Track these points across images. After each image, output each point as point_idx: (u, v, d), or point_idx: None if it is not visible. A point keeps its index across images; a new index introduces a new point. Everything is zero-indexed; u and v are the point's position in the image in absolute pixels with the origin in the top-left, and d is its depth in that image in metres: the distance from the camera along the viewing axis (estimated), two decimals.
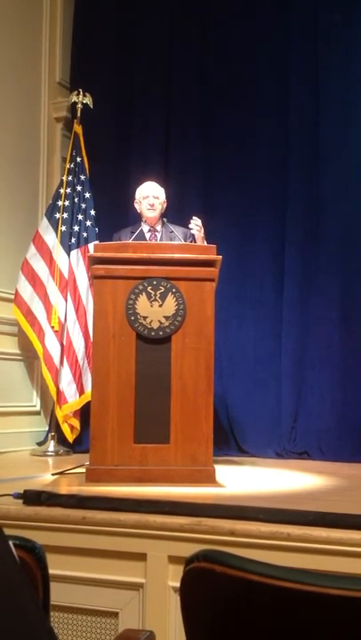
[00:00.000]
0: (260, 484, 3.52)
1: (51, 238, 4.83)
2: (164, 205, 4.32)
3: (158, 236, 4.26)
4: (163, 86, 5.31)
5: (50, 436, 4.75)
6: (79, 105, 5.05)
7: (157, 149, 5.27)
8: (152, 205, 4.23)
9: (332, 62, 4.92)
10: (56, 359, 4.67)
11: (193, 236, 4.22)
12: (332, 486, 3.42)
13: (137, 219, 4.40)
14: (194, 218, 4.02)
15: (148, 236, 4.26)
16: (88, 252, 4.52)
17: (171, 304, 3.31)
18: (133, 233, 4.14)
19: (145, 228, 4.27)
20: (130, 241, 3.97)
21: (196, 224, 4.00)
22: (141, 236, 4.21)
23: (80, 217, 4.91)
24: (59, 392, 4.67)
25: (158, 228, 4.29)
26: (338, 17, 4.92)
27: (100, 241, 4.52)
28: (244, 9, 5.19)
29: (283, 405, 4.87)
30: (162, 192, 4.31)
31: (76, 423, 4.74)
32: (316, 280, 4.87)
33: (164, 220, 4.26)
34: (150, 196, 4.24)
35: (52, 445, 4.67)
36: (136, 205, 4.33)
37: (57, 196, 4.93)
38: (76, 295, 4.78)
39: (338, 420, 4.68)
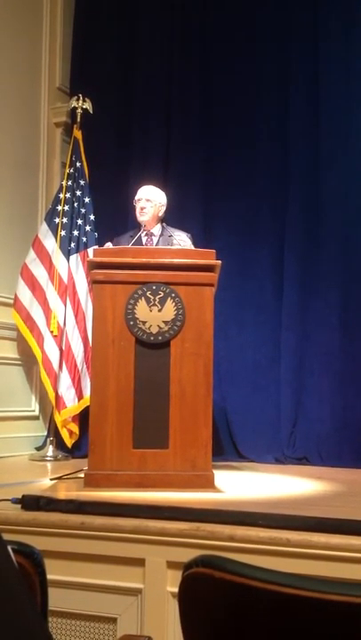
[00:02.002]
0: (259, 489, 3.51)
1: (50, 243, 4.83)
2: (162, 209, 4.28)
3: (155, 240, 4.24)
4: (162, 91, 5.32)
5: (48, 440, 4.74)
6: (79, 110, 5.06)
7: (157, 154, 5.28)
8: (142, 209, 4.19)
9: (333, 66, 4.93)
10: (55, 364, 4.67)
11: (192, 238, 4.23)
12: (331, 492, 3.41)
13: (136, 223, 4.40)
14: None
15: (144, 240, 4.25)
16: (87, 256, 4.52)
17: (170, 309, 3.30)
18: (133, 237, 4.13)
19: (143, 232, 4.26)
20: (127, 246, 3.97)
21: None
22: (139, 241, 4.20)
23: (79, 222, 4.91)
24: (57, 397, 4.67)
25: (155, 232, 4.27)
26: (338, 20, 4.94)
27: (100, 246, 4.52)
28: (244, 13, 5.21)
29: (282, 411, 4.86)
30: (157, 195, 4.26)
31: (75, 428, 4.73)
32: (316, 285, 4.87)
33: (164, 224, 4.26)
34: (142, 199, 4.21)
35: (50, 450, 4.66)
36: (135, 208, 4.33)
37: (56, 201, 4.93)
38: (76, 300, 4.78)
39: (337, 426, 4.68)
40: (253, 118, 5.13)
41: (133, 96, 5.39)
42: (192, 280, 3.35)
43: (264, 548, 2.22)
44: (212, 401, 3.33)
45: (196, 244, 4.16)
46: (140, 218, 4.21)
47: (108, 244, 4.08)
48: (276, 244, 4.99)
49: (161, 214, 4.28)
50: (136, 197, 4.25)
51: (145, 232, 4.24)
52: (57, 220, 4.86)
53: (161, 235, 4.23)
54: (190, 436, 3.24)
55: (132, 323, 3.29)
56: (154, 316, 3.30)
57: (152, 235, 4.26)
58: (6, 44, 4.88)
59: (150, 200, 4.21)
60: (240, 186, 5.12)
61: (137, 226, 4.33)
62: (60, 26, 5.43)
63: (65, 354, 4.71)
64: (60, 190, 4.95)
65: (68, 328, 4.74)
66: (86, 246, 4.85)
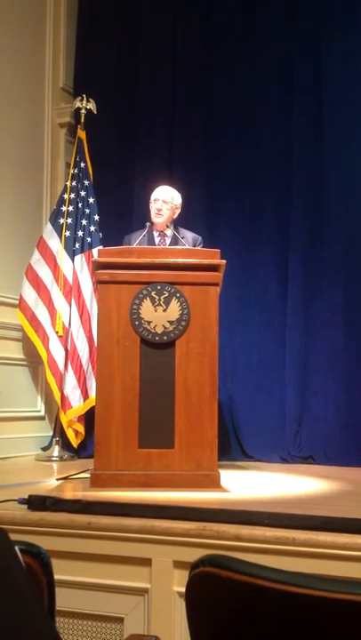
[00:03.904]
0: (264, 488, 3.51)
1: (55, 243, 4.84)
2: (177, 211, 4.29)
3: (168, 241, 4.25)
4: (166, 91, 5.32)
5: (54, 441, 4.74)
6: (83, 110, 5.07)
7: (161, 155, 5.28)
8: (159, 210, 4.18)
9: (336, 66, 4.92)
10: (60, 364, 4.68)
11: (203, 242, 4.23)
12: (337, 491, 3.41)
13: (144, 222, 4.37)
14: None
15: (157, 240, 4.26)
16: (92, 257, 4.52)
17: (175, 309, 3.31)
18: (144, 236, 4.13)
19: (155, 232, 4.26)
20: (139, 244, 3.97)
21: None
22: (151, 240, 4.20)
23: (84, 222, 4.92)
24: (63, 397, 4.68)
25: (168, 232, 4.27)
26: (341, 20, 4.92)
27: (104, 246, 4.52)
28: (246, 16, 5.20)
29: (287, 410, 4.86)
30: (175, 196, 4.26)
31: (81, 428, 4.74)
32: (320, 285, 4.86)
33: (169, 225, 4.24)
34: (160, 201, 4.20)
35: (56, 450, 4.66)
36: (150, 209, 4.32)
37: (61, 202, 4.94)
38: (81, 300, 4.79)
39: (343, 425, 4.67)
40: (256, 118, 5.12)
41: (137, 96, 5.39)
42: (197, 280, 3.35)
43: (270, 547, 2.22)
44: (217, 400, 3.34)
45: (205, 246, 4.17)
46: (156, 219, 4.20)
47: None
48: (281, 244, 4.98)
49: (175, 216, 4.29)
50: (153, 197, 4.24)
51: (158, 233, 4.25)
52: (61, 221, 4.87)
53: (174, 236, 4.22)
54: (196, 436, 3.24)
55: (136, 323, 3.29)
56: (159, 315, 3.30)
57: (165, 236, 4.26)
58: (10, 45, 4.89)
59: (167, 202, 4.21)
60: (244, 186, 5.11)
61: (144, 225, 4.29)
62: (63, 26, 5.43)
63: (70, 354, 4.72)
64: (65, 191, 4.95)
65: (73, 328, 4.75)
66: (91, 246, 4.85)
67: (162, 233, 4.26)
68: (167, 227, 4.25)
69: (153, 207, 4.22)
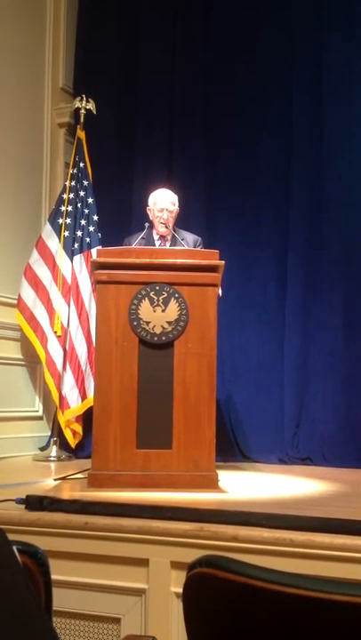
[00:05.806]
0: (262, 489, 3.51)
1: (54, 243, 4.83)
2: (177, 213, 4.29)
3: (168, 244, 4.25)
4: (166, 92, 5.32)
5: (52, 441, 4.74)
6: (82, 111, 5.07)
7: (160, 155, 5.28)
8: (166, 222, 4.16)
9: (336, 67, 4.92)
10: (59, 364, 4.68)
11: (202, 243, 4.22)
12: (334, 492, 3.41)
13: (142, 223, 4.36)
14: None
15: (157, 243, 4.25)
16: (91, 257, 4.52)
17: (173, 309, 3.31)
18: (144, 239, 4.11)
19: (155, 235, 4.25)
20: (137, 246, 3.97)
21: None
22: (151, 242, 4.20)
23: (83, 222, 4.91)
24: (61, 397, 4.67)
25: (168, 235, 4.26)
26: (341, 22, 4.93)
27: (103, 246, 4.52)
28: (246, 16, 5.20)
29: (285, 411, 4.86)
30: (175, 201, 4.24)
31: (79, 428, 4.74)
32: (319, 286, 4.86)
33: (168, 226, 4.24)
34: (165, 211, 4.16)
35: (54, 450, 4.66)
36: (149, 212, 4.29)
37: (60, 202, 4.93)
38: (79, 300, 4.78)
39: (341, 426, 4.68)
40: (256, 118, 5.13)
41: (136, 96, 5.39)
42: (195, 280, 3.35)
43: (268, 548, 2.22)
44: (215, 401, 3.34)
45: (204, 247, 4.16)
46: (162, 229, 4.18)
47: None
48: (280, 245, 4.99)
49: (175, 218, 4.28)
50: (158, 206, 4.19)
51: (158, 236, 4.24)
52: (60, 221, 4.87)
53: (173, 237, 4.21)
54: (194, 437, 3.24)
55: (135, 323, 3.29)
56: (157, 316, 3.30)
57: (165, 239, 4.25)
58: (10, 45, 4.88)
59: (173, 211, 4.20)
60: (243, 186, 5.11)
61: (143, 225, 4.28)
62: (63, 26, 5.43)
63: (68, 354, 4.72)
64: (64, 191, 4.95)
65: (71, 328, 4.74)
66: (90, 247, 4.85)
67: (162, 236, 4.25)
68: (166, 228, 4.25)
69: (158, 217, 4.18)
